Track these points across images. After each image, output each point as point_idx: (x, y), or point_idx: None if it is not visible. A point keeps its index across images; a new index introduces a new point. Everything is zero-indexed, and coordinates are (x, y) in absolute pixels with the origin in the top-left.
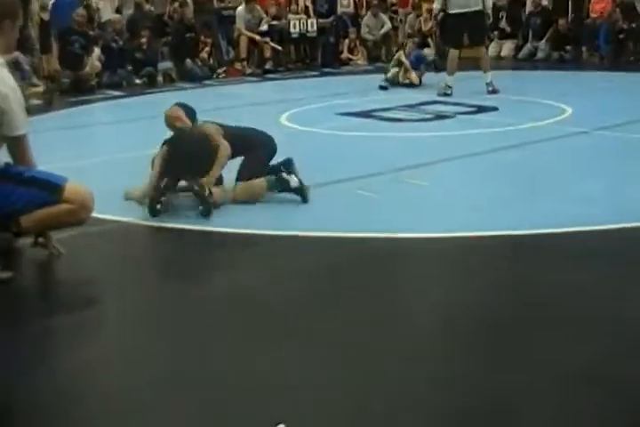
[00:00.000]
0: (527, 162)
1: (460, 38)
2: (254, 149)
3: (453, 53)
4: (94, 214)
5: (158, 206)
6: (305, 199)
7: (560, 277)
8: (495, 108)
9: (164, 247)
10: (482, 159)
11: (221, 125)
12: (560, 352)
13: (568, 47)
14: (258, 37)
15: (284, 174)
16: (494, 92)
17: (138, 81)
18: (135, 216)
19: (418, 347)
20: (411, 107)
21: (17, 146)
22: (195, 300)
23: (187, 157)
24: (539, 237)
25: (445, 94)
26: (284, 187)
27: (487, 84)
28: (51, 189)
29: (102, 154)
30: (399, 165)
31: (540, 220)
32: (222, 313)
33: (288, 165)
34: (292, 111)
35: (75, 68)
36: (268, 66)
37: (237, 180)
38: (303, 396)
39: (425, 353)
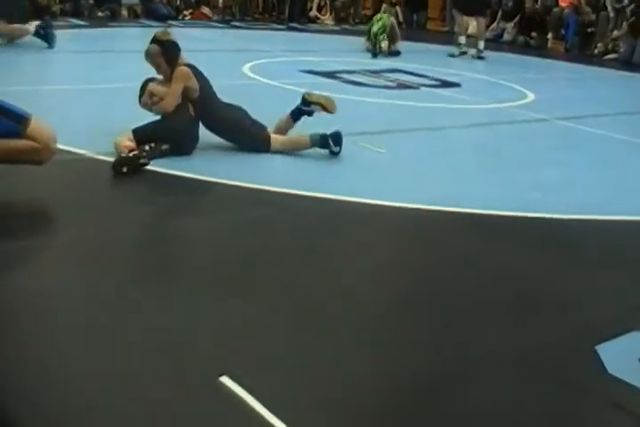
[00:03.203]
0: (485, 142)
1: (467, 7)
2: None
3: (461, 19)
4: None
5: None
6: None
7: (506, 260)
8: (458, 85)
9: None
10: (440, 134)
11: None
12: (500, 336)
13: (534, 33)
14: None
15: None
16: (481, 58)
17: (100, 13)
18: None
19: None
20: (375, 73)
21: None
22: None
23: None
24: (488, 218)
25: (462, 53)
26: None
27: (478, 49)
28: (16, 119)
29: (64, 82)
30: (358, 129)
31: (491, 201)
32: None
33: (336, 139)
34: (255, 62)
35: None
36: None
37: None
38: (247, 350)
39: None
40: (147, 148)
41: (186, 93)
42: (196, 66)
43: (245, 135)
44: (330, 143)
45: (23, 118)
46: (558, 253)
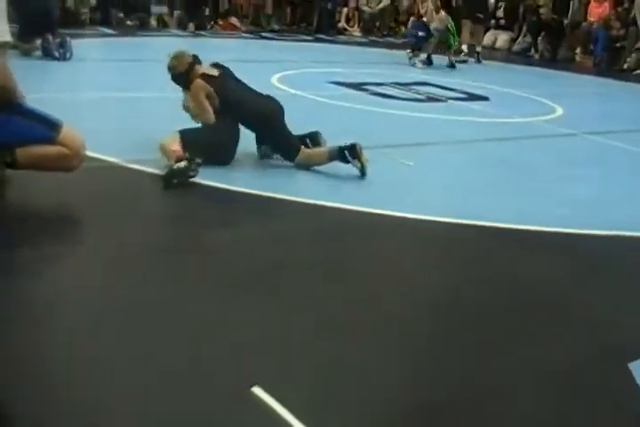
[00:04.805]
0: (514, 156)
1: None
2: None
3: (467, 23)
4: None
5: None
6: (362, 173)
7: (534, 276)
8: (486, 98)
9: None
10: (469, 147)
11: (221, 83)
12: (537, 349)
13: (562, 47)
14: None
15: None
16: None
17: (129, 22)
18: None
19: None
20: (403, 85)
21: None
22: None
23: None
24: (514, 232)
25: (463, 61)
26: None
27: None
28: (50, 125)
29: (96, 90)
30: (387, 141)
31: (520, 215)
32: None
33: (314, 138)
34: (283, 73)
35: None
36: (270, 24)
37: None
38: (276, 360)
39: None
40: (198, 160)
41: (211, 101)
42: (219, 65)
43: (282, 135)
44: (346, 156)
45: (56, 125)
46: (586, 270)
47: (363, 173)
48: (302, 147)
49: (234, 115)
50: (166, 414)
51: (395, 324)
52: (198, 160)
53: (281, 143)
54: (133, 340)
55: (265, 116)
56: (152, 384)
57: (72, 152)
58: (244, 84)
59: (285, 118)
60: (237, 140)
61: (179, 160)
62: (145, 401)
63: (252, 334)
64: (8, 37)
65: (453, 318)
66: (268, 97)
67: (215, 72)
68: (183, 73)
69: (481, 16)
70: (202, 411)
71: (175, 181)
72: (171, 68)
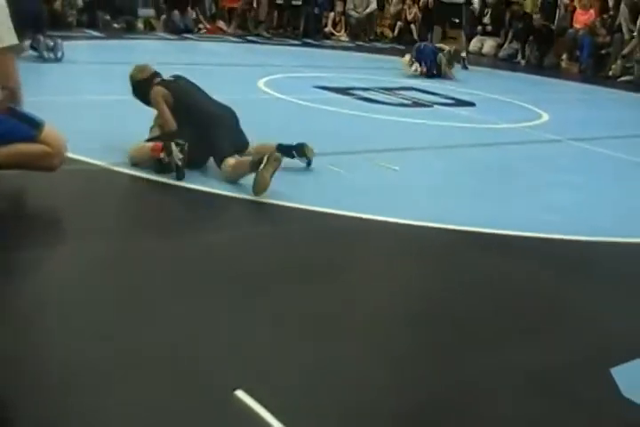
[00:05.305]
0: (499, 162)
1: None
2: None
3: (438, 29)
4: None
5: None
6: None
7: (517, 280)
8: (472, 104)
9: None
10: (455, 153)
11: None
12: (520, 353)
13: (548, 53)
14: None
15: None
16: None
17: (116, 25)
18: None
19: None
20: (389, 90)
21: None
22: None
23: None
24: (499, 238)
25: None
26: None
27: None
28: (32, 123)
29: (82, 93)
30: (372, 146)
31: (504, 221)
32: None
33: (300, 149)
34: (270, 77)
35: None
36: (257, 28)
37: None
38: (261, 363)
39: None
40: (180, 141)
41: (167, 104)
42: (178, 77)
43: (222, 139)
44: (293, 154)
45: (38, 124)
46: (571, 275)
47: (309, 164)
48: (228, 159)
49: (186, 115)
50: (148, 415)
51: (379, 326)
52: (180, 141)
53: (216, 147)
54: (119, 340)
55: (215, 116)
56: (134, 384)
57: (54, 151)
58: (202, 90)
59: (267, 124)
60: (206, 142)
61: (161, 149)
62: (126, 402)
63: (236, 336)
64: (16, 40)
65: (437, 321)
66: (223, 105)
67: (171, 78)
68: (142, 80)
69: (456, 21)
70: (184, 412)
71: (179, 164)
72: (132, 77)
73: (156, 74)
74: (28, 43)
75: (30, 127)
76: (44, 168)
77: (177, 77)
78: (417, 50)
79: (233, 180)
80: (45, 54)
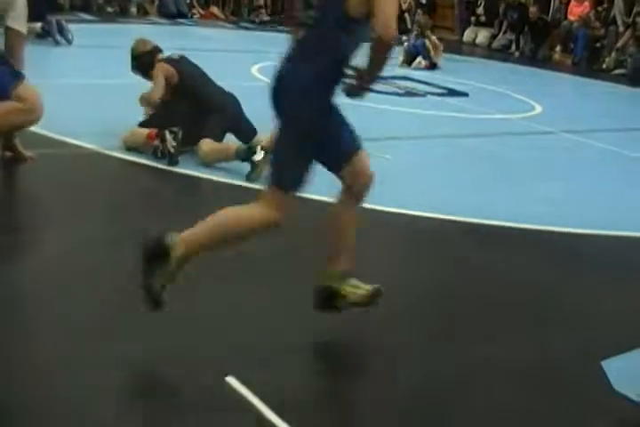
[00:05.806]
0: (491, 153)
1: None
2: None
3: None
4: (58, 137)
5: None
6: (249, 177)
7: (510, 272)
8: (465, 94)
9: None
10: (447, 142)
11: (182, 68)
12: (511, 345)
13: (541, 45)
14: None
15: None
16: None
17: (110, 9)
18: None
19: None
20: (383, 79)
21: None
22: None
23: None
24: (488, 228)
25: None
26: (248, 157)
27: None
28: (15, 74)
29: (77, 77)
30: (364, 134)
31: (496, 212)
32: None
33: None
34: (264, 64)
35: None
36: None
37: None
38: (252, 350)
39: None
40: (174, 129)
41: (169, 81)
42: (183, 57)
43: (221, 121)
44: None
45: (20, 74)
46: (563, 267)
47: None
48: (205, 140)
49: (189, 97)
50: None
51: (365, 320)
52: (174, 129)
53: (206, 129)
54: (108, 329)
55: (217, 104)
56: (125, 371)
57: (27, 106)
58: (206, 75)
59: (262, 110)
60: (199, 125)
61: (156, 136)
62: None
63: (223, 322)
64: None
65: (425, 313)
66: (227, 92)
67: (176, 57)
68: (144, 53)
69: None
70: (176, 398)
71: (172, 151)
72: (133, 49)
73: (158, 48)
74: (38, 25)
75: (12, 78)
76: (20, 125)
77: (181, 57)
78: (410, 48)
79: (207, 162)
80: (58, 38)
